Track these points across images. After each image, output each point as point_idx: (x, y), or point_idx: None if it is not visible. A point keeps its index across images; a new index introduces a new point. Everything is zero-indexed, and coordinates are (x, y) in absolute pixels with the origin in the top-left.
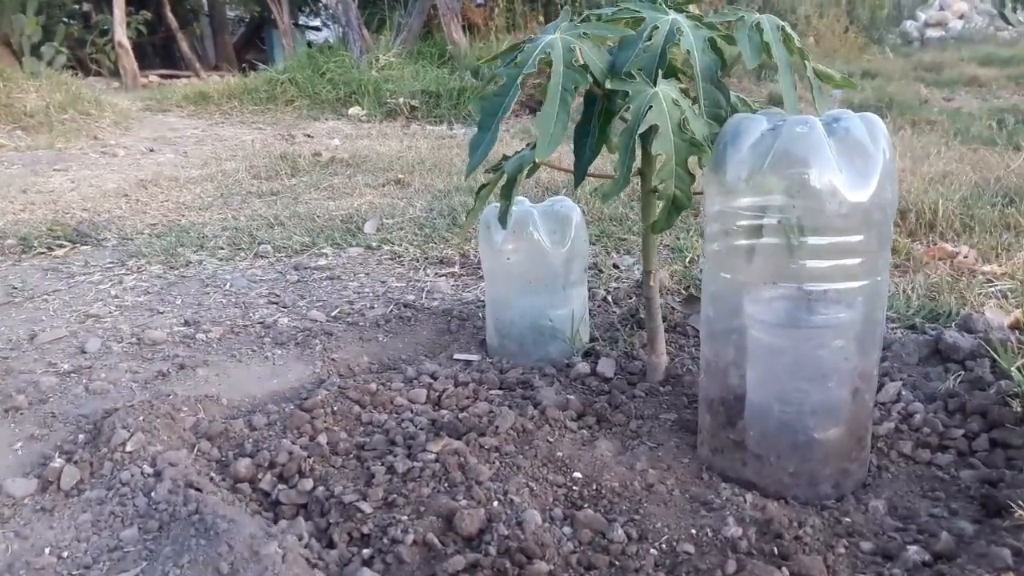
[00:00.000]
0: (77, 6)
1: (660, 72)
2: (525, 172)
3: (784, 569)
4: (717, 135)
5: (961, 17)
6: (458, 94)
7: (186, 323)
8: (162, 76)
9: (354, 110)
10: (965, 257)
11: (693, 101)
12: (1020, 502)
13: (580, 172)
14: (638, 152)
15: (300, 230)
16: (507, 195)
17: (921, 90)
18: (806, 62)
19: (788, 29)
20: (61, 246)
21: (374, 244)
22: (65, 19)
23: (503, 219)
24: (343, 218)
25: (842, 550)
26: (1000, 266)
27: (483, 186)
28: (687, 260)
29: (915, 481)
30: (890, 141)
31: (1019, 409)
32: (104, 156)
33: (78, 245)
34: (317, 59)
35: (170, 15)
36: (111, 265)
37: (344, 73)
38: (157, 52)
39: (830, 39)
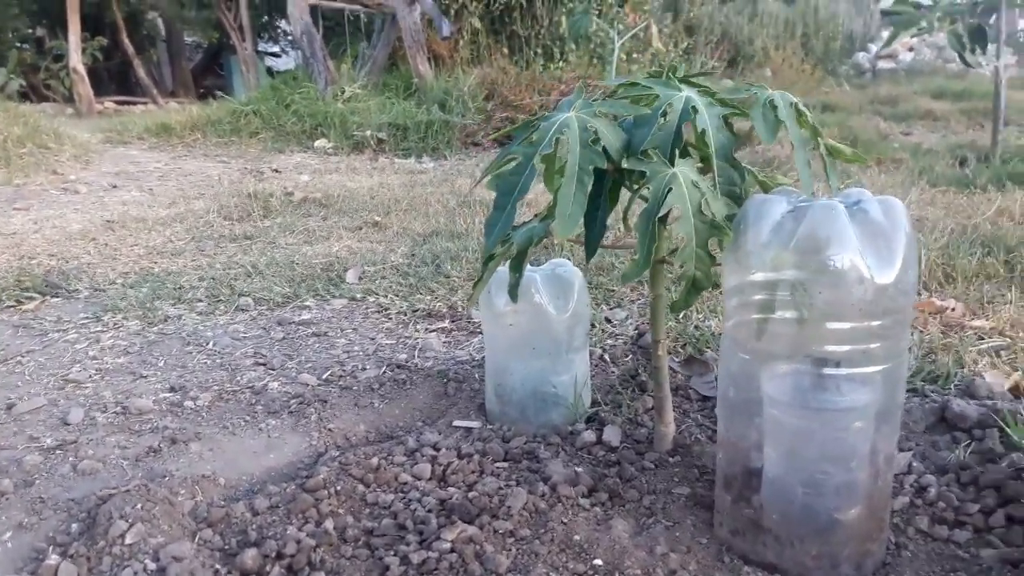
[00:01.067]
0: (31, 31)
1: (676, 151)
2: (533, 244)
3: None
4: (735, 215)
5: (911, 50)
6: (426, 127)
7: (172, 389)
8: (118, 102)
9: (320, 143)
10: (952, 311)
11: (704, 175)
12: None
13: (592, 247)
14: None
15: (280, 280)
16: (517, 267)
17: (880, 124)
18: (819, 139)
19: (800, 106)
20: (31, 298)
21: (358, 295)
22: (18, 44)
23: (513, 293)
24: (323, 266)
25: None
26: (988, 320)
27: (489, 258)
28: (680, 316)
29: (935, 560)
30: (911, 222)
31: None
32: (65, 193)
33: (48, 297)
34: (281, 90)
35: (126, 40)
36: (86, 321)
37: (309, 105)
38: (113, 78)
39: (787, 72)
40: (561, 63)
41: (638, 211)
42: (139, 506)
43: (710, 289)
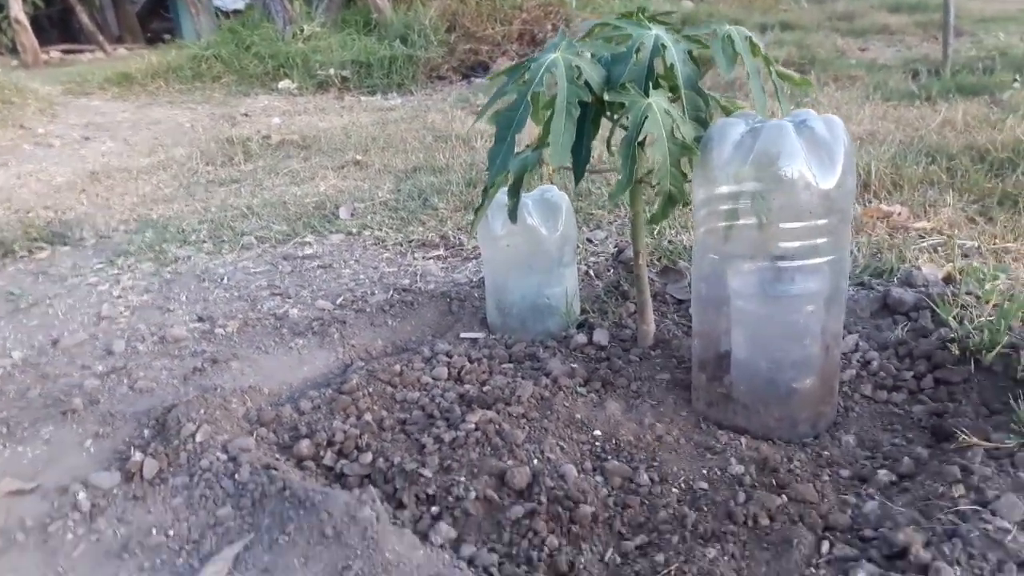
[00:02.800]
0: None
1: (650, 84)
2: (528, 171)
3: (784, 496)
4: (702, 137)
5: None
6: (389, 63)
7: (200, 319)
8: (64, 51)
9: (284, 84)
10: (898, 215)
11: (674, 103)
12: (963, 429)
13: (579, 171)
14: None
15: (276, 219)
16: (515, 193)
17: (837, 41)
18: (771, 67)
19: (754, 39)
20: (41, 248)
21: (354, 230)
22: None
23: (512, 215)
24: (315, 204)
25: (826, 478)
26: (929, 222)
27: (487, 187)
28: (655, 232)
29: (876, 417)
30: (849, 137)
31: (957, 352)
32: (39, 147)
33: (57, 246)
34: (240, 33)
35: None
36: (101, 265)
37: (270, 46)
38: (55, 25)
39: None
40: None
41: (618, 138)
42: (202, 411)
43: (682, 204)
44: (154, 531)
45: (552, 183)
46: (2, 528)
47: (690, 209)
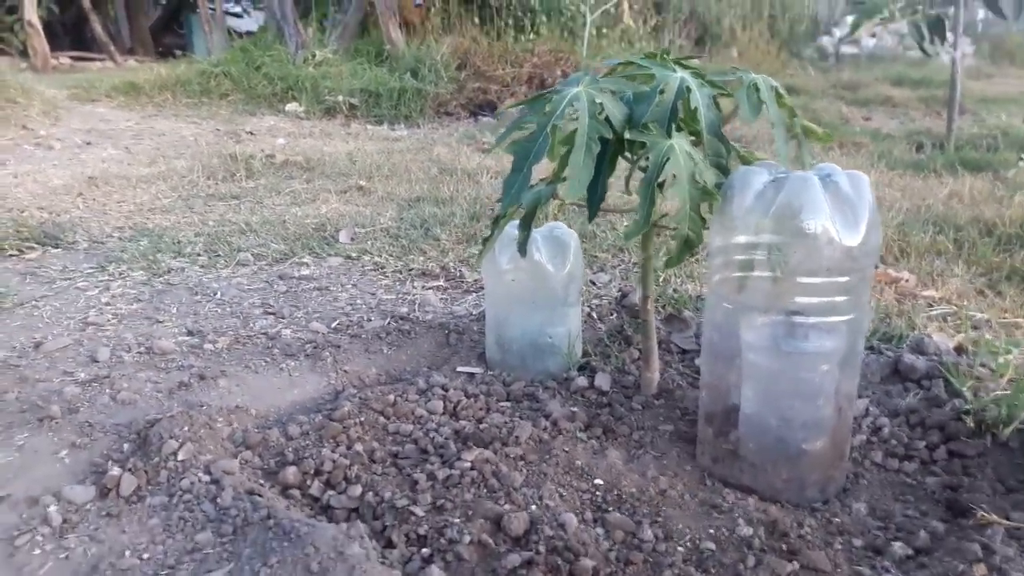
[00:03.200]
0: None
1: (673, 126)
2: (541, 205)
3: (795, 562)
4: (723, 183)
5: (873, 35)
6: (398, 94)
7: (189, 333)
8: (74, 58)
9: (292, 106)
10: (906, 282)
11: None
12: (982, 505)
13: (593, 209)
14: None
15: (275, 237)
16: (526, 226)
17: (842, 108)
18: (794, 119)
19: (780, 89)
20: (31, 248)
21: (353, 254)
22: None
23: (522, 248)
24: (315, 226)
25: (839, 546)
26: (937, 291)
27: (499, 216)
28: (660, 279)
29: (887, 487)
30: (873, 194)
31: (971, 424)
32: (40, 149)
33: (48, 247)
34: (251, 52)
35: None
36: (91, 270)
37: (280, 68)
38: (68, 32)
39: (753, 53)
40: (532, 35)
41: (637, 179)
42: (186, 428)
43: (698, 249)
44: (127, 552)
45: (557, 221)
46: None
47: (697, 259)
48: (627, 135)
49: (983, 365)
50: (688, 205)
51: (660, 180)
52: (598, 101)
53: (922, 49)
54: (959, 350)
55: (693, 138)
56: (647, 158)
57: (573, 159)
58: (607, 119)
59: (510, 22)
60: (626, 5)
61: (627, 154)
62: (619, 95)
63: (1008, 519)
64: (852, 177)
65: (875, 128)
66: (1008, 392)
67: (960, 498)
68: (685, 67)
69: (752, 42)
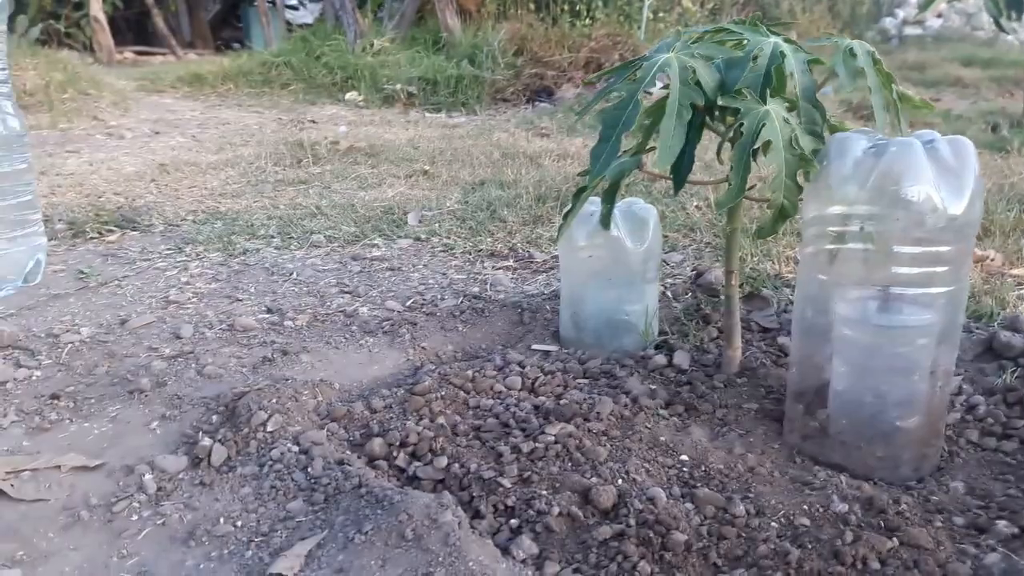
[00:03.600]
0: None
1: (768, 91)
2: (625, 177)
3: (895, 539)
4: (819, 150)
5: (939, 16)
6: (456, 82)
7: (269, 311)
8: (137, 52)
9: (351, 95)
10: (992, 260)
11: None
12: None
13: (680, 179)
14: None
15: (345, 220)
16: (610, 199)
17: (910, 90)
18: (892, 86)
19: (876, 54)
20: (111, 231)
21: (423, 236)
22: None
23: (606, 221)
24: (383, 209)
25: (939, 524)
26: None
27: (581, 188)
28: (739, 258)
29: (985, 466)
30: (977, 161)
31: None
32: (111, 138)
33: (126, 230)
34: (311, 42)
35: None
36: (169, 252)
37: (339, 57)
38: (131, 27)
39: (814, 35)
40: (588, 20)
41: (726, 149)
42: (273, 400)
43: (792, 218)
44: (222, 520)
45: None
46: (65, 504)
47: (775, 237)
48: (720, 100)
49: None
50: (784, 172)
51: (755, 147)
52: (690, 66)
53: (998, 25)
54: None
55: (787, 104)
56: (741, 124)
57: (664, 126)
58: (699, 85)
59: (566, 7)
60: None
61: (716, 124)
62: (710, 61)
63: None
64: (955, 143)
65: (946, 109)
66: None
67: None
68: (775, 33)
69: (813, 24)
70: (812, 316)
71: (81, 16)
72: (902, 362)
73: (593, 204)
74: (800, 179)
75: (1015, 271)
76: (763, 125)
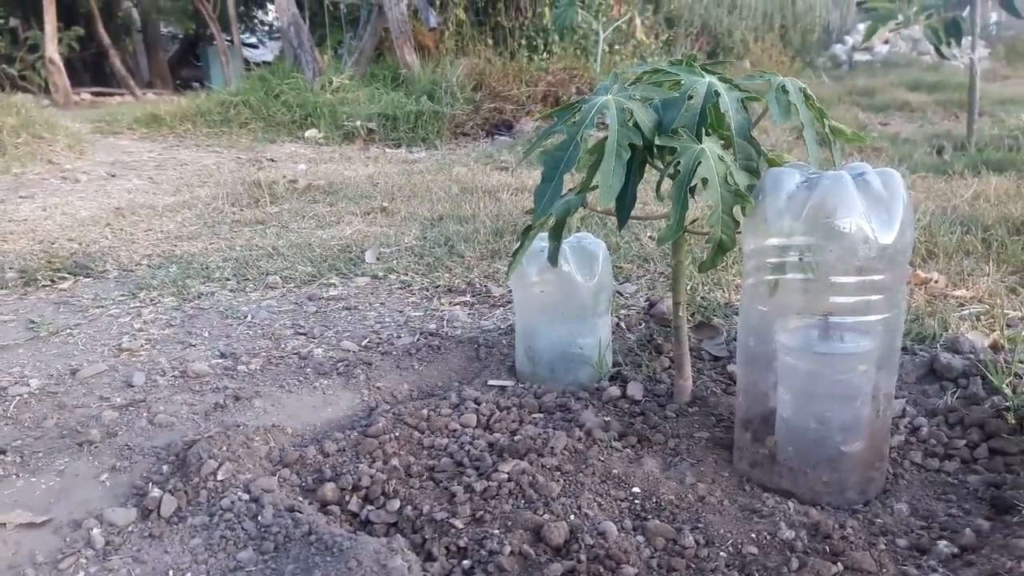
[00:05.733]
0: (3, 21)
1: (703, 130)
2: (571, 215)
3: (839, 563)
4: (754, 185)
5: (886, 42)
6: (415, 117)
7: (222, 355)
8: (95, 94)
9: (311, 133)
10: (936, 283)
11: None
12: None
13: (623, 216)
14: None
15: (302, 260)
16: (557, 236)
17: (859, 114)
18: (824, 120)
19: (808, 91)
20: (63, 278)
21: (380, 274)
22: None
23: (553, 258)
24: (340, 248)
25: (883, 547)
26: (968, 291)
27: (529, 227)
28: (689, 287)
29: (928, 486)
30: (908, 191)
31: (1013, 421)
32: (66, 182)
33: (79, 277)
34: (270, 81)
35: (102, 31)
36: (122, 298)
37: (298, 95)
38: (88, 68)
39: (767, 63)
40: (545, 55)
41: (666, 186)
42: (224, 448)
43: (731, 251)
44: (171, 573)
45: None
46: (11, 563)
47: (724, 266)
48: (657, 141)
49: (1021, 362)
50: (721, 208)
51: (692, 184)
52: (627, 108)
53: (939, 52)
54: (995, 348)
55: (723, 142)
56: (678, 163)
57: (604, 166)
58: (636, 126)
59: (523, 42)
60: (638, 20)
61: (656, 161)
62: (647, 102)
63: None
64: (884, 175)
65: (894, 132)
66: None
67: (1004, 495)
68: (711, 72)
69: (765, 53)
70: (754, 345)
71: (36, 58)
72: (844, 388)
73: (543, 240)
74: (737, 214)
75: (957, 292)
76: (698, 163)
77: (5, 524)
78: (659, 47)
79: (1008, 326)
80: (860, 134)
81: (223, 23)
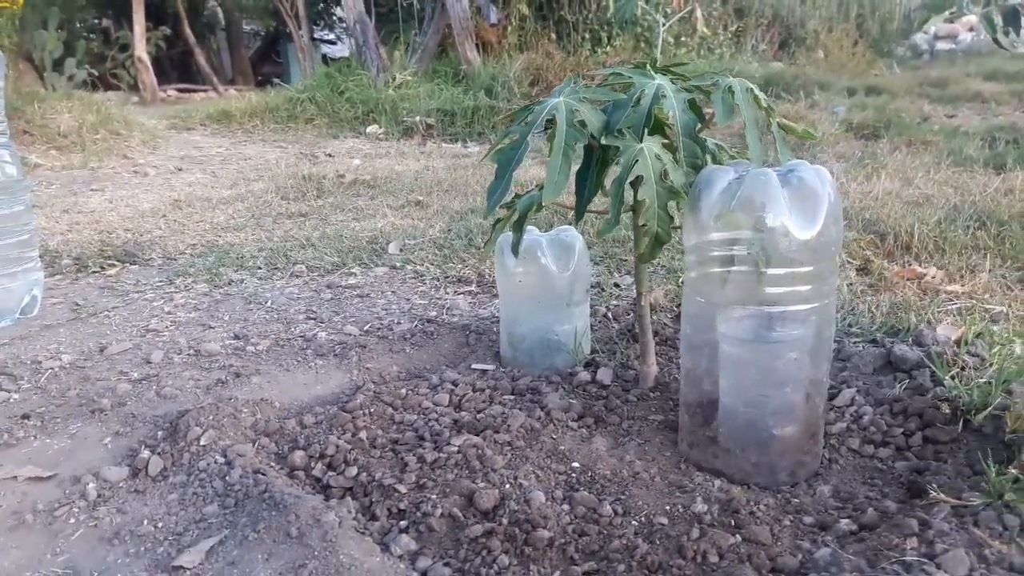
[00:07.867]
0: (97, 22)
1: (646, 130)
2: (534, 209)
3: (738, 536)
4: (692, 183)
5: (971, 29)
6: (472, 112)
7: (236, 337)
8: (180, 90)
9: (372, 128)
10: (932, 278)
11: (675, 153)
12: (935, 486)
13: (580, 210)
14: (628, 196)
15: (330, 250)
16: (518, 228)
17: (924, 107)
18: (771, 119)
19: (756, 91)
20: (112, 265)
21: (398, 264)
22: (85, 34)
23: (515, 249)
24: (369, 239)
25: (787, 523)
26: (963, 286)
27: (498, 220)
28: (679, 281)
29: (859, 471)
30: (836, 187)
31: (948, 411)
32: (136, 176)
33: (127, 264)
34: (335, 78)
35: (187, 30)
36: (160, 283)
37: (362, 91)
38: (175, 66)
39: (838, 54)
40: (608, 48)
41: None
42: (211, 417)
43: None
44: (145, 522)
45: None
46: (15, 509)
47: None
48: (603, 140)
49: (976, 355)
50: (656, 203)
51: (632, 179)
52: (575, 109)
53: (996, 41)
54: (959, 342)
55: (667, 141)
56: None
57: (551, 163)
58: (583, 125)
59: (587, 36)
60: (699, 12)
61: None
62: (600, 104)
63: (960, 499)
64: (813, 171)
65: (955, 125)
66: (989, 380)
67: (920, 480)
68: (670, 73)
69: (838, 43)
70: (692, 334)
71: (126, 57)
72: (775, 375)
73: (528, 232)
74: (673, 210)
75: (951, 287)
76: (636, 161)
77: (16, 477)
78: (727, 38)
79: (993, 321)
80: (809, 131)
81: (300, 21)
